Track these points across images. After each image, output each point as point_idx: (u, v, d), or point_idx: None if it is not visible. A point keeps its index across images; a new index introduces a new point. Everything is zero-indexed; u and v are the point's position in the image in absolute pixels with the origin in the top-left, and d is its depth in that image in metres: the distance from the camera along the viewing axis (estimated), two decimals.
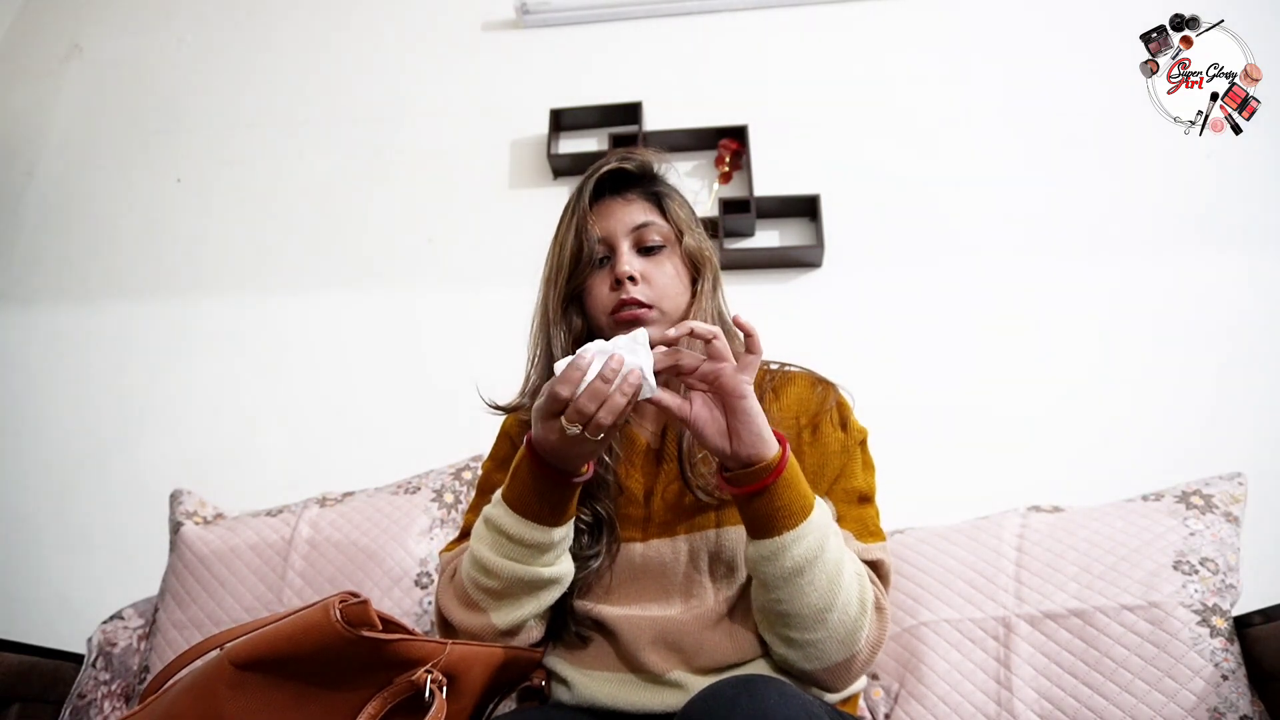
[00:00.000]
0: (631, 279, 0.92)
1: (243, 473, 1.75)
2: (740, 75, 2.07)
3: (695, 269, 0.99)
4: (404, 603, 1.26)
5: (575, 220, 0.95)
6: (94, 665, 1.29)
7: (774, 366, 1.02)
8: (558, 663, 0.91)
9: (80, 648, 1.34)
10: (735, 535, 0.89)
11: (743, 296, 1.84)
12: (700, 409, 0.79)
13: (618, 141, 1.99)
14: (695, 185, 1.97)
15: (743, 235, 1.89)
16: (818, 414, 0.94)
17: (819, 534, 0.79)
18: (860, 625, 0.81)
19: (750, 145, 1.94)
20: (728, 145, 1.94)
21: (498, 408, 1.00)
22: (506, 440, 1.04)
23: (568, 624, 0.91)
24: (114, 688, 1.28)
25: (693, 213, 1.03)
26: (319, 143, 2.14)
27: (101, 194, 2.16)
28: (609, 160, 0.99)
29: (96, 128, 2.24)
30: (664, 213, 0.98)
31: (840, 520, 0.90)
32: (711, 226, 1.85)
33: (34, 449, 1.90)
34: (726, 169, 1.94)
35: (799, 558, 0.77)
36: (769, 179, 1.92)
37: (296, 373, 1.90)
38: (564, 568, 0.86)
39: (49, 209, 2.17)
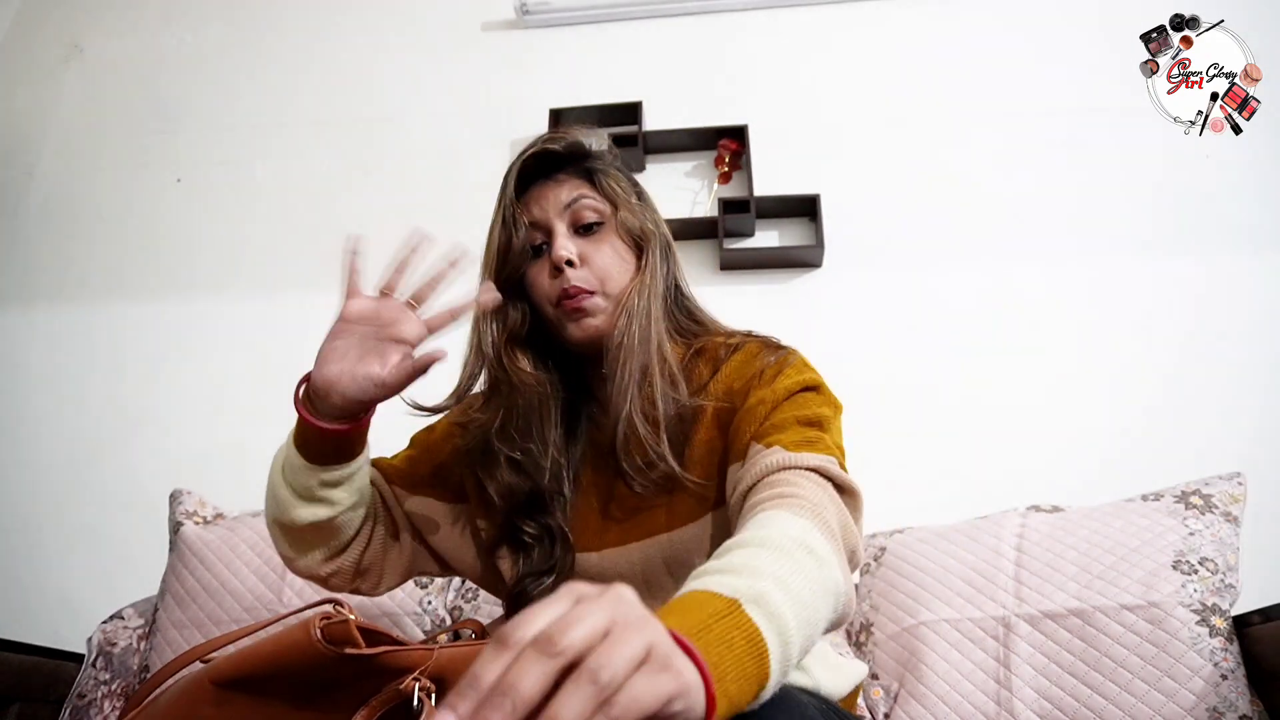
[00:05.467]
0: (570, 263, 0.87)
1: (243, 473, 1.74)
2: (740, 75, 2.07)
3: (637, 244, 0.92)
4: (404, 602, 1.26)
5: (501, 211, 0.91)
6: (94, 665, 1.29)
7: (735, 340, 0.93)
8: None
9: (80, 648, 1.34)
10: (688, 534, 0.83)
11: (743, 296, 1.86)
12: None
13: (618, 141, 1.97)
14: (695, 185, 1.97)
15: (743, 235, 1.89)
16: (752, 378, 0.85)
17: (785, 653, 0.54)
18: (842, 567, 0.65)
19: (750, 145, 1.94)
20: (727, 145, 1.94)
21: (420, 408, 0.92)
22: (434, 433, 1.00)
23: None
24: (114, 688, 1.28)
25: (633, 185, 0.96)
26: (319, 143, 2.14)
27: (101, 194, 2.16)
28: (534, 144, 0.93)
29: (96, 128, 2.24)
30: (598, 187, 0.92)
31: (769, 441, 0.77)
32: (711, 226, 1.85)
33: (34, 449, 1.90)
34: (726, 169, 1.94)
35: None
36: (769, 179, 1.92)
37: (297, 373, 1.89)
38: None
39: (49, 209, 2.16)
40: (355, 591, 0.94)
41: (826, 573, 0.62)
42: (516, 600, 0.87)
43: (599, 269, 0.88)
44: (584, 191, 0.91)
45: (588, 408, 0.93)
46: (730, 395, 0.86)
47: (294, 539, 0.88)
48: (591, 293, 0.87)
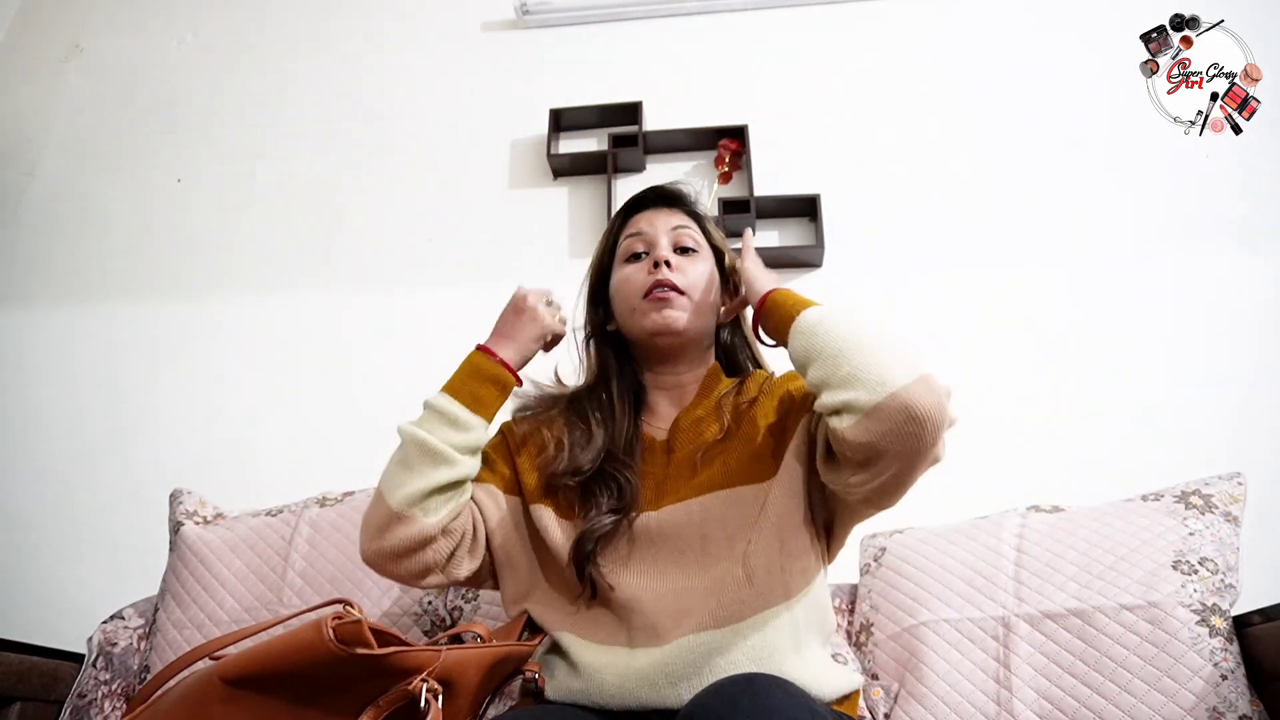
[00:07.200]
0: (668, 263, 1.02)
1: (243, 473, 1.75)
2: (740, 75, 2.07)
3: (726, 282, 1.09)
4: (403, 601, 1.26)
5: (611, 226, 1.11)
6: (94, 665, 1.29)
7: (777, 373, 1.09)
8: (570, 640, 0.91)
9: (80, 648, 1.34)
10: (745, 493, 0.94)
11: None
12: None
13: (617, 141, 1.98)
14: (695, 185, 1.97)
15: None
16: (802, 388, 0.99)
17: (816, 323, 0.92)
18: (914, 358, 0.88)
19: (750, 145, 1.94)
20: (727, 145, 1.94)
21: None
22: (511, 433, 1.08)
23: (585, 592, 0.93)
24: (114, 687, 1.28)
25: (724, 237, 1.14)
26: (319, 143, 2.14)
27: (101, 194, 2.16)
28: (650, 189, 1.13)
29: (96, 128, 2.24)
30: (701, 227, 1.10)
31: None
32: None
33: (34, 449, 1.90)
34: (726, 169, 1.94)
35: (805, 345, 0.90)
36: (769, 179, 1.92)
37: (296, 373, 1.89)
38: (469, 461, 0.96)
39: (49, 209, 2.16)
40: (447, 563, 0.96)
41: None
42: (583, 541, 0.94)
43: (691, 278, 1.04)
44: (688, 223, 1.09)
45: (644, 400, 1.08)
46: (783, 409, 1.00)
47: (432, 497, 0.93)
48: (681, 292, 1.02)
